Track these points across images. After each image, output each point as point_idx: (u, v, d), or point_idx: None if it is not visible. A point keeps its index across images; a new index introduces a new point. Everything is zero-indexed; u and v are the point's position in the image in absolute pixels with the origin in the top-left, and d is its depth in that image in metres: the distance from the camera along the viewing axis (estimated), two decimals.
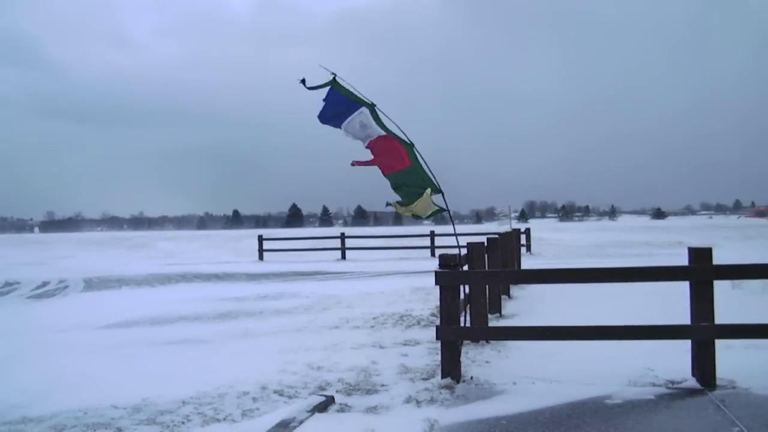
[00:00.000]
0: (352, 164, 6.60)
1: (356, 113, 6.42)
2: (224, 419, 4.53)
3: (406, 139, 6.44)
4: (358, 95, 6.43)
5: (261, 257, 23.49)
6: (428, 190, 6.41)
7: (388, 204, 6.64)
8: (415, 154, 6.45)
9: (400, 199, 6.59)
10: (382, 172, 6.59)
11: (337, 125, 6.51)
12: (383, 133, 6.43)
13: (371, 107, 6.44)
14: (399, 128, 6.46)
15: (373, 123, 6.42)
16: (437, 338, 5.20)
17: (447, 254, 5.40)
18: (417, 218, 6.77)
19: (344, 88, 6.40)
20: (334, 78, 6.40)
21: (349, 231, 30.87)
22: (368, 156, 6.58)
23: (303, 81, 6.24)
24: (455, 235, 6.98)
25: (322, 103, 6.46)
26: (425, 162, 6.48)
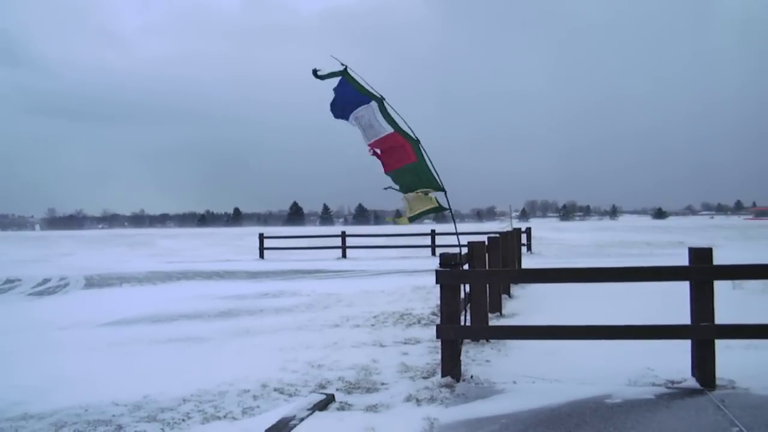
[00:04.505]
0: (370, 148, 6.39)
1: (364, 107, 6.28)
2: (225, 417, 4.55)
3: (413, 135, 6.37)
4: (369, 89, 6.28)
5: (262, 255, 23.50)
6: (430, 195, 6.30)
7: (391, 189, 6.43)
8: (421, 151, 6.39)
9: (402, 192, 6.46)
10: (384, 169, 6.50)
11: (345, 117, 6.38)
12: (389, 131, 6.28)
13: (380, 101, 6.33)
14: (406, 123, 6.40)
15: (380, 119, 6.25)
16: (437, 337, 5.21)
17: (448, 253, 5.39)
18: (415, 215, 6.57)
19: (355, 80, 6.26)
20: (345, 69, 6.31)
21: (350, 229, 30.94)
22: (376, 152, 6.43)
23: (315, 71, 6.11)
24: (456, 234, 6.97)
25: (333, 94, 6.33)
26: (430, 159, 6.42)
